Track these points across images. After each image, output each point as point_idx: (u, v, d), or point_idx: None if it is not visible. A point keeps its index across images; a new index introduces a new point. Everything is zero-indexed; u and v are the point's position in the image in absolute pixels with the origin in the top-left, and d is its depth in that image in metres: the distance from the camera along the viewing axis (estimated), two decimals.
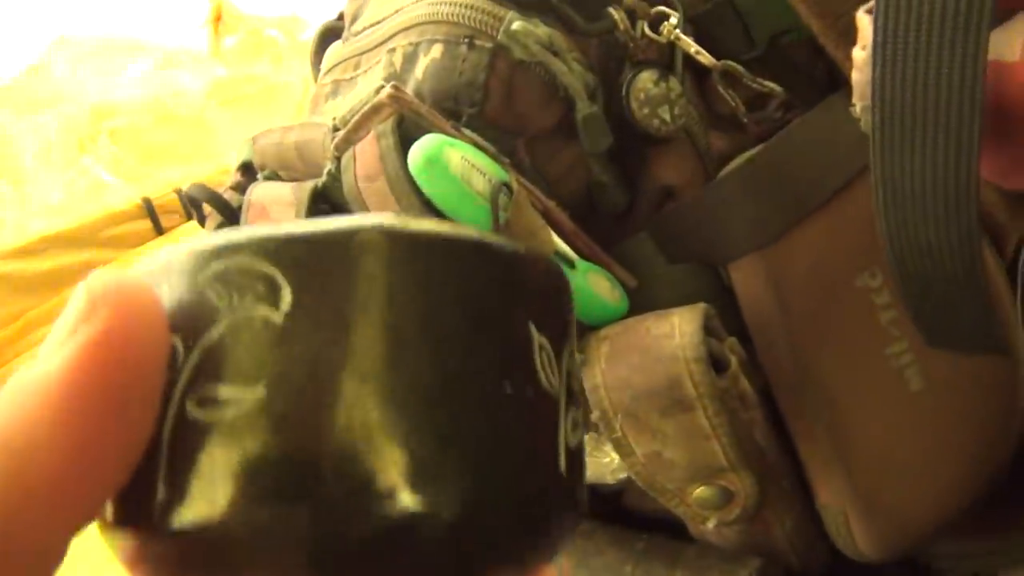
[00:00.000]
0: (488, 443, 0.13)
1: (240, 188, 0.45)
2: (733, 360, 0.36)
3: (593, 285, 0.37)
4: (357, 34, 0.44)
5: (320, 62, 0.48)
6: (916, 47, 0.23)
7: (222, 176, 0.64)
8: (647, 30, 0.38)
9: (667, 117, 0.39)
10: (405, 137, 0.35)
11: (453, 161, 0.34)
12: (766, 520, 0.39)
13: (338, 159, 0.37)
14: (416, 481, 0.13)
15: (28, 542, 0.13)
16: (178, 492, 0.13)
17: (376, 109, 0.35)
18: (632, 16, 0.38)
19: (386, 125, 0.35)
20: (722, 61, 0.39)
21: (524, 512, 0.14)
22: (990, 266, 0.36)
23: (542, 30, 0.37)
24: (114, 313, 0.13)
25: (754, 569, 0.39)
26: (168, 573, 0.14)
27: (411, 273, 0.13)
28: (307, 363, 0.13)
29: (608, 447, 0.39)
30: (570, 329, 0.16)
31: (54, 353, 0.13)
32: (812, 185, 0.38)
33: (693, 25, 0.40)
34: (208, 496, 0.13)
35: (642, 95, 0.38)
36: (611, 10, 0.38)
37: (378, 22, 0.42)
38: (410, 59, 0.38)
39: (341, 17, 0.48)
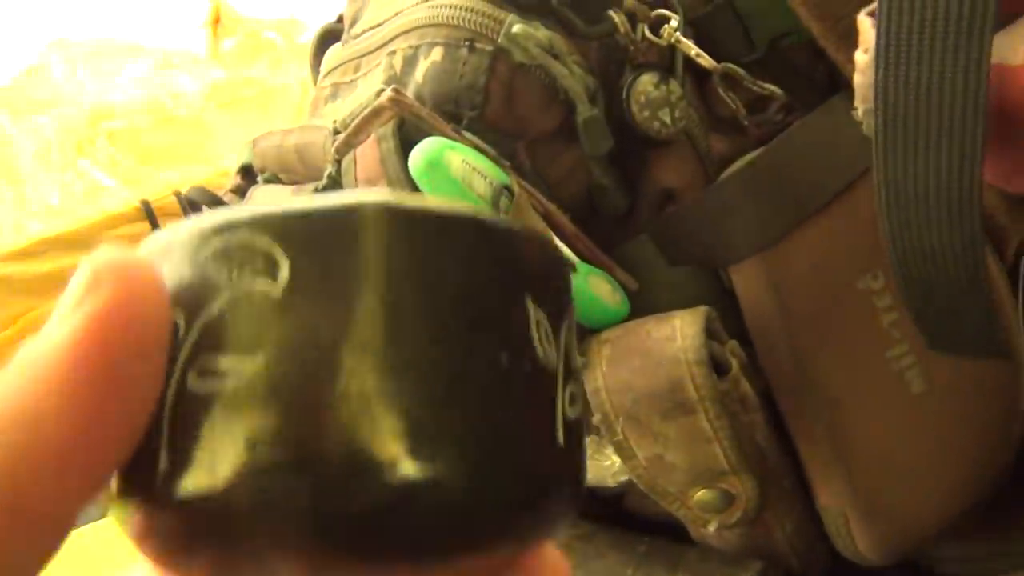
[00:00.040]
0: (485, 413, 0.14)
1: (240, 191, 0.45)
2: (734, 363, 0.36)
3: (594, 288, 0.37)
4: (356, 37, 0.44)
5: (319, 65, 0.48)
6: (919, 50, 0.23)
7: (221, 178, 0.64)
8: (647, 33, 0.38)
9: (667, 120, 0.39)
10: (406, 140, 0.35)
11: (454, 164, 0.33)
12: (767, 523, 0.39)
13: (339, 162, 0.37)
14: (414, 448, 0.13)
15: (39, 513, 0.13)
16: (180, 462, 0.13)
17: (377, 112, 0.35)
18: (632, 19, 0.38)
19: (387, 128, 0.35)
20: (722, 64, 0.39)
21: (522, 482, 0.14)
22: (992, 270, 0.36)
23: (542, 33, 0.37)
24: (117, 287, 0.13)
25: (755, 572, 0.39)
26: (174, 546, 0.14)
27: (408, 248, 0.14)
28: (305, 334, 0.13)
29: (609, 450, 0.39)
30: (568, 306, 0.16)
31: (59, 326, 0.13)
32: (813, 187, 0.37)
33: (693, 28, 0.40)
34: (209, 465, 0.13)
35: (643, 98, 0.38)
36: (611, 13, 0.38)
37: (378, 25, 0.42)
38: (410, 62, 0.38)
39: (340, 20, 0.48)
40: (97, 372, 0.13)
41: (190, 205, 0.46)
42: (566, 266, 0.17)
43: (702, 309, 0.36)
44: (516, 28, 0.36)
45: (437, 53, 0.37)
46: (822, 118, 0.38)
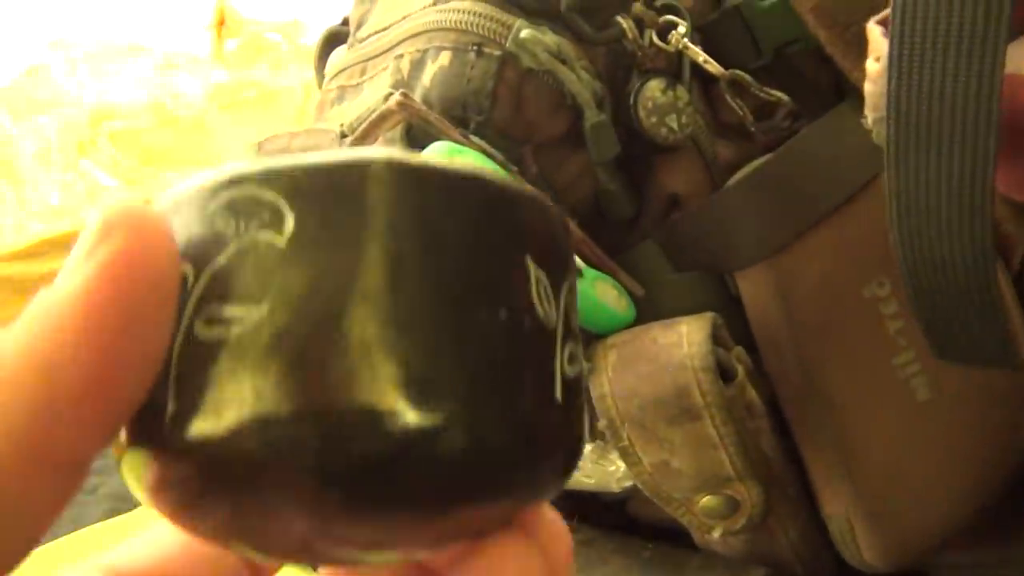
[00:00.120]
0: (484, 366, 0.14)
1: None
2: (740, 369, 0.36)
3: (600, 294, 0.37)
4: (363, 40, 0.44)
5: (324, 67, 0.48)
6: (933, 60, 0.23)
7: None
8: (655, 39, 0.38)
9: (674, 126, 0.39)
10: (413, 144, 0.35)
11: None
12: (771, 529, 0.39)
13: None
14: (413, 397, 0.13)
15: (58, 459, 0.13)
16: (187, 407, 0.13)
17: (384, 116, 0.35)
18: (640, 25, 0.38)
19: (394, 132, 0.35)
20: (730, 70, 0.39)
21: (521, 435, 0.14)
22: (1000, 280, 0.36)
23: (551, 38, 0.37)
24: (129, 235, 0.13)
25: None
26: (186, 498, 0.14)
27: (412, 202, 0.14)
28: (309, 284, 0.13)
29: (614, 455, 0.39)
30: (569, 267, 0.17)
31: (72, 275, 0.13)
32: (820, 194, 0.37)
33: (701, 34, 0.40)
34: (215, 410, 0.13)
35: (650, 104, 0.38)
36: (619, 19, 0.38)
37: (384, 28, 0.42)
38: (418, 66, 0.38)
39: (345, 22, 0.48)
40: (111, 319, 0.13)
41: None
42: (567, 229, 0.17)
43: (708, 315, 0.36)
44: (524, 33, 0.36)
45: (445, 57, 0.37)
46: (829, 125, 0.38)
